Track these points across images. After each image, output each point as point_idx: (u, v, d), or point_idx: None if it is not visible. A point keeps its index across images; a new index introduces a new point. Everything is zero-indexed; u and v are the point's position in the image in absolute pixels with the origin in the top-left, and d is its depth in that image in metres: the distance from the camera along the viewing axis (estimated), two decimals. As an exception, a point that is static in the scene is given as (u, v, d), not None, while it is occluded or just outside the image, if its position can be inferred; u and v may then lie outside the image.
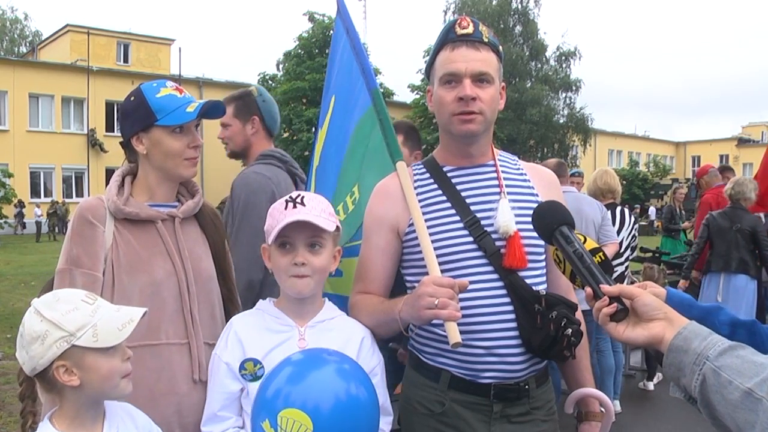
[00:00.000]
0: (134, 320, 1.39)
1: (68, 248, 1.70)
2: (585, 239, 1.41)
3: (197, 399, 1.70)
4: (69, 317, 1.37)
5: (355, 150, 2.21)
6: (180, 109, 1.71)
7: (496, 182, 1.77)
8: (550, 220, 1.43)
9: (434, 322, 1.61)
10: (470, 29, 1.70)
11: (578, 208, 4.49)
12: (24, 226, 26.91)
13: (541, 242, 1.73)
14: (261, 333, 1.64)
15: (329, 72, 2.49)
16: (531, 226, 1.69)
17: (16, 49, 45.63)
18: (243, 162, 2.94)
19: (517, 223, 1.69)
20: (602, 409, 1.80)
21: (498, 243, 1.69)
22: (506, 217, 1.68)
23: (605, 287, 1.25)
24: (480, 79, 1.68)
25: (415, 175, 1.85)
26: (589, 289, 1.29)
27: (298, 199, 1.62)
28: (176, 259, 1.74)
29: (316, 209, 1.61)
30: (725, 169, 6.84)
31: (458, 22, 1.71)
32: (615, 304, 1.22)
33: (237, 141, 2.88)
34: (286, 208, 1.61)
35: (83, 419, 1.43)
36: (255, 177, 2.60)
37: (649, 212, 32.59)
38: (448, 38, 1.71)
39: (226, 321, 1.81)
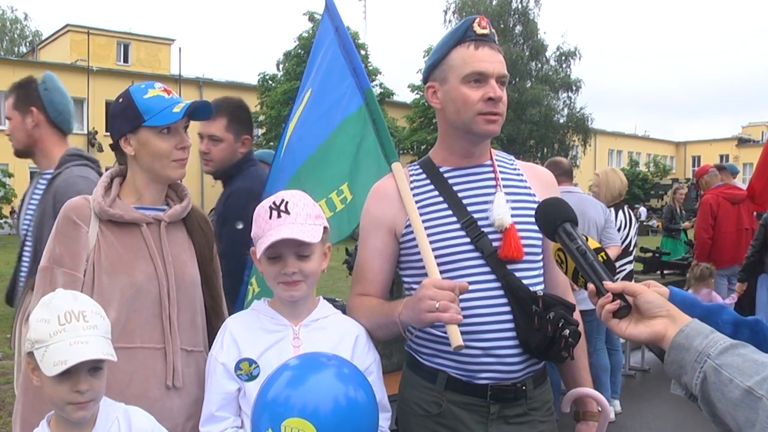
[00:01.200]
0: (68, 363, 1.34)
1: (51, 247, 1.71)
2: (587, 239, 1.41)
3: (170, 405, 1.69)
4: (37, 326, 1.39)
5: (340, 147, 2.17)
6: (167, 110, 1.71)
7: (492, 182, 1.77)
8: (554, 216, 1.43)
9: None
10: (488, 30, 1.70)
11: (582, 210, 4.46)
12: None
13: (538, 241, 1.74)
14: (256, 333, 1.64)
15: (308, 68, 2.45)
16: (527, 224, 1.70)
17: (16, 49, 45.64)
18: (34, 160, 2.62)
19: (513, 218, 1.69)
20: (599, 409, 1.80)
21: (495, 244, 1.69)
22: (501, 210, 1.68)
23: (608, 284, 1.25)
24: (500, 81, 1.69)
25: (411, 176, 1.84)
26: (592, 286, 1.29)
27: (282, 206, 1.59)
28: (158, 263, 1.73)
29: (302, 215, 1.59)
30: (721, 169, 6.81)
31: (477, 21, 1.70)
32: (618, 301, 1.22)
33: (18, 136, 2.55)
34: (270, 217, 1.59)
35: (65, 422, 1.44)
36: (85, 184, 2.28)
37: (640, 212, 32.46)
38: (467, 36, 1.69)
39: (209, 330, 1.81)
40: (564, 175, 4.68)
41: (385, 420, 1.68)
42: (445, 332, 1.57)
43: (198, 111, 1.78)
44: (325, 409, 1.35)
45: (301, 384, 1.40)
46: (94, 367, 1.41)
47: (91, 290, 1.66)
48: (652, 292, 1.21)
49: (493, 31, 1.73)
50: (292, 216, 1.58)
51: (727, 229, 5.86)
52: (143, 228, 1.75)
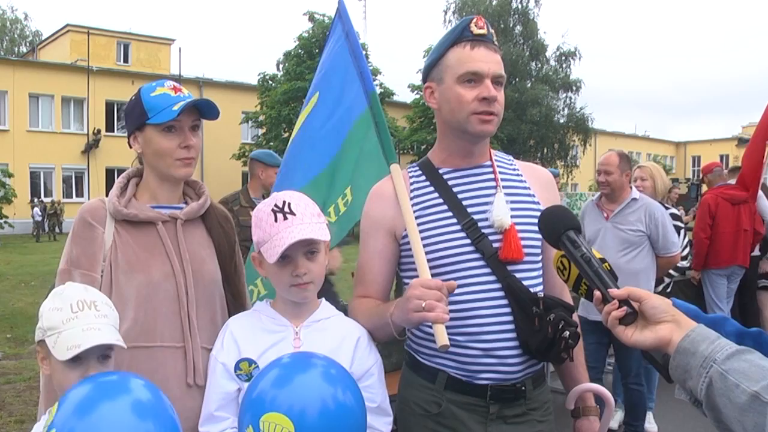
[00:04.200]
0: (80, 347, 1.38)
1: (69, 249, 1.72)
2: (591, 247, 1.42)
3: (191, 404, 1.68)
4: (50, 314, 1.43)
5: (349, 153, 2.20)
6: (168, 108, 1.70)
7: (492, 182, 1.77)
8: (558, 225, 1.43)
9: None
10: (485, 30, 1.70)
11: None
12: (39, 226, 26.57)
13: (538, 242, 1.74)
14: (256, 333, 1.64)
15: (317, 71, 2.46)
16: (527, 225, 1.70)
17: (16, 49, 45.60)
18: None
19: (513, 219, 1.69)
20: (597, 405, 1.82)
21: (496, 245, 1.69)
22: (501, 211, 1.68)
23: (614, 291, 1.25)
24: (497, 81, 1.69)
25: (411, 177, 1.84)
26: (598, 293, 1.29)
27: (286, 208, 1.58)
28: (175, 261, 1.73)
29: (307, 215, 1.59)
30: (732, 170, 6.76)
31: (474, 21, 1.70)
32: (624, 308, 1.22)
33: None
34: (276, 220, 1.57)
35: None
36: None
37: None
38: (463, 36, 1.69)
39: None
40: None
41: (386, 425, 1.67)
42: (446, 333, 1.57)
43: (205, 110, 1.77)
44: (305, 407, 1.35)
45: (285, 383, 1.39)
46: (103, 355, 1.44)
47: (110, 290, 1.66)
48: (657, 297, 1.21)
49: (492, 31, 1.72)
50: (299, 217, 1.57)
51: (725, 230, 5.84)
52: (159, 226, 1.75)
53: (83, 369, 1.41)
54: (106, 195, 1.81)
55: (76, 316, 1.41)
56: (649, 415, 4.82)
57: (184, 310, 1.72)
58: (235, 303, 1.89)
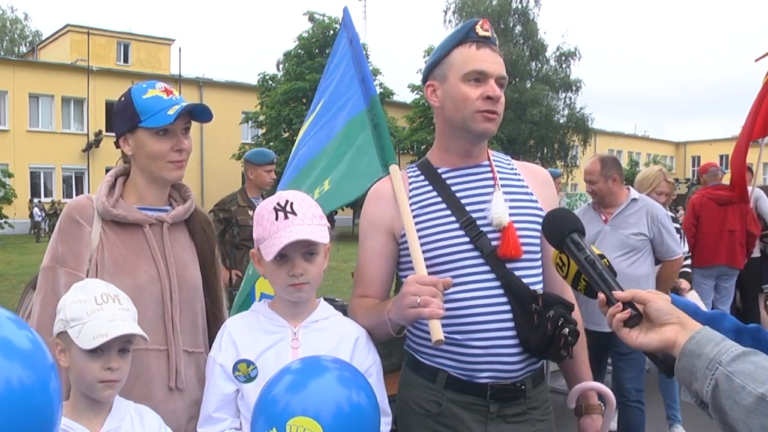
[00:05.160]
0: (108, 336, 1.41)
1: (54, 246, 1.71)
2: (593, 246, 1.42)
3: (173, 407, 1.69)
4: (72, 306, 1.45)
5: (336, 151, 2.20)
6: (162, 112, 1.69)
7: (490, 181, 1.78)
8: (561, 227, 1.44)
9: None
10: (490, 33, 1.73)
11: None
12: (37, 226, 26.57)
13: (537, 239, 1.75)
14: (254, 334, 1.63)
15: (323, 78, 2.50)
16: (525, 222, 1.72)
17: (16, 49, 45.61)
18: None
19: (512, 217, 1.70)
20: (601, 403, 1.82)
21: (494, 243, 1.69)
22: (499, 209, 1.69)
23: (618, 293, 1.26)
24: (500, 83, 1.71)
25: (410, 177, 1.85)
26: (602, 296, 1.30)
27: (288, 207, 1.58)
28: (161, 265, 1.73)
29: (308, 216, 1.58)
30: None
31: (480, 23, 1.73)
32: (628, 310, 1.22)
33: None
34: (277, 218, 1.57)
35: (83, 408, 1.47)
36: None
37: None
38: (469, 37, 1.71)
39: (209, 331, 1.81)
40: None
41: (385, 425, 1.66)
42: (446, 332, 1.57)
43: (198, 113, 1.77)
44: (328, 412, 1.35)
45: (303, 388, 1.39)
46: (122, 348, 1.47)
47: None
48: (661, 299, 1.21)
49: (495, 35, 1.76)
50: (299, 217, 1.57)
51: (708, 230, 5.81)
52: (146, 229, 1.74)
53: (104, 360, 1.43)
54: None
55: (100, 308, 1.44)
56: (680, 428, 4.51)
57: (168, 313, 1.72)
58: (213, 308, 1.89)
